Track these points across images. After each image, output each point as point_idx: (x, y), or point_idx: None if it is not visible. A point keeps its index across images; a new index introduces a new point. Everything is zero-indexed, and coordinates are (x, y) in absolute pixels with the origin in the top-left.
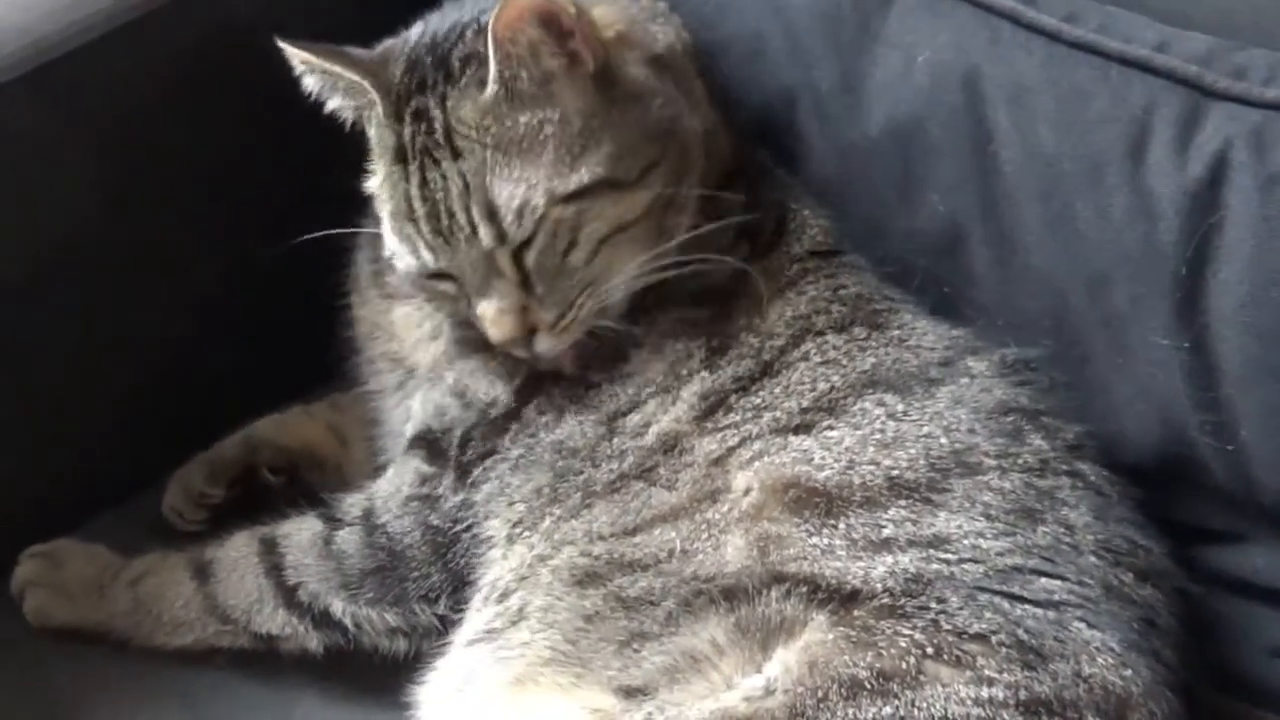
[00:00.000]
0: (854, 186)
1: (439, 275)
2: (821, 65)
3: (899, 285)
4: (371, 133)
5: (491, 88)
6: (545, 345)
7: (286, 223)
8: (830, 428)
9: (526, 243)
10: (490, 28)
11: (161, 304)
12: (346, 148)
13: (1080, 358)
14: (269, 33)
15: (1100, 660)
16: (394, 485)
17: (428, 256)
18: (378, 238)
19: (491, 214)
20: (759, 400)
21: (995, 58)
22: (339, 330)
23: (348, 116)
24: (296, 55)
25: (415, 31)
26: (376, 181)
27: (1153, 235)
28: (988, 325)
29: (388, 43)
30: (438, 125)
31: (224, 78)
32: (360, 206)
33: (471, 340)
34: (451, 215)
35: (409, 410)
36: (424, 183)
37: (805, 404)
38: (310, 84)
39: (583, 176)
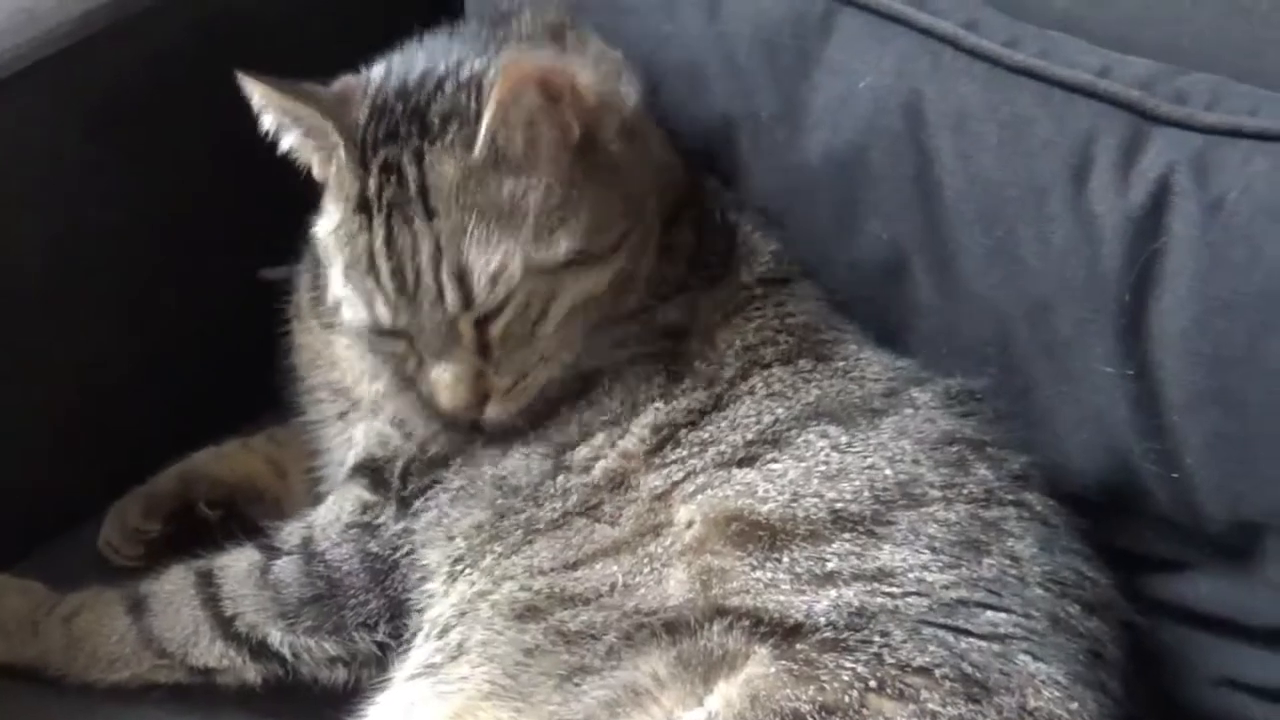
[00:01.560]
0: (795, 214)
1: (389, 333)
2: (762, 92)
3: (845, 313)
4: (330, 176)
5: (480, 151)
6: (495, 412)
7: (229, 250)
8: (774, 460)
9: (493, 311)
10: (493, 90)
11: (100, 333)
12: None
13: (1024, 386)
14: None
15: (1046, 693)
16: (334, 513)
17: (384, 313)
18: (318, 265)
19: (462, 279)
20: (706, 435)
21: (937, 83)
22: (280, 359)
23: (304, 156)
24: (255, 89)
25: (377, 73)
26: (329, 226)
27: (1096, 262)
28: (932, 354)
29: (345, 80)
30: (411, 181)
31: (170, 102)
32: (302, 235)
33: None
34: (418, 276)
35: (351, 439)
36: (390, 238)
37: (750, 437)
38: (268, 121)
39: (561, 247)
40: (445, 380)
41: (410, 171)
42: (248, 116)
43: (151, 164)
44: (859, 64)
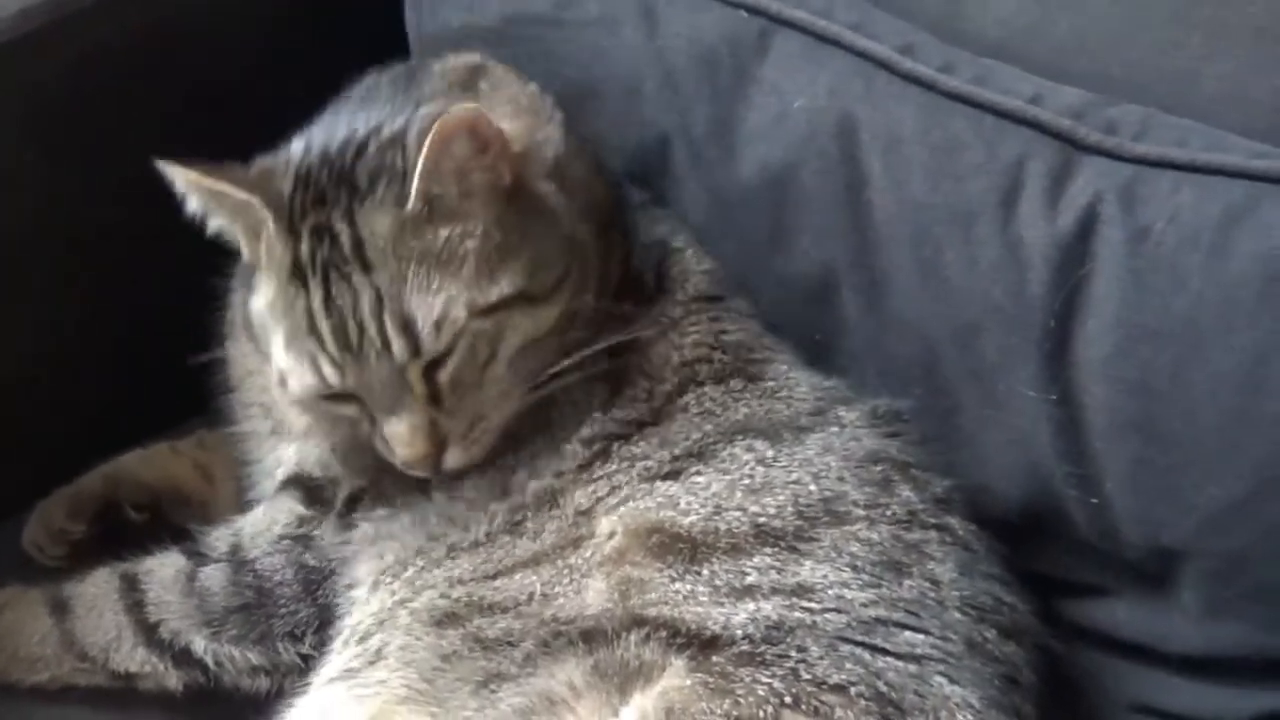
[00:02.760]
0: (727, 230)
1: (338, 397)
2: (697, 109)
3: (777, 332)
4: (260, 251)
5: (413, 204)
6: (455, 460)
7: (161, 252)
8: (698, 473)
9: (440, 358)
10: (418, 144)
11: (27, 331)
12: None
13: (949, 408)
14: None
15: (960, 716)
16: (264, 523)
17: (330, 373)
18: (251, 282)
19: (406, 327)
20: (637, 450)
21: (871, 105)
22: (211, 369)
23: (232, 236)
24: (179, 175)
25: (297, 148)
26: (265, 300)
27: (1022, 286)
28: (859, 373)
29: (262, 161)
30: (344, 240)
31: (96, 106)
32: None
33: None
34: (361, 329)
35: (280, 456)
36: (328, 297)
37: (677, 453)
38: (194, 205)
39: (503, 288)
40: (400, 433)
41: (343, 230)
42: (179, 123)
43: (82, 166)
44: (794, 84)
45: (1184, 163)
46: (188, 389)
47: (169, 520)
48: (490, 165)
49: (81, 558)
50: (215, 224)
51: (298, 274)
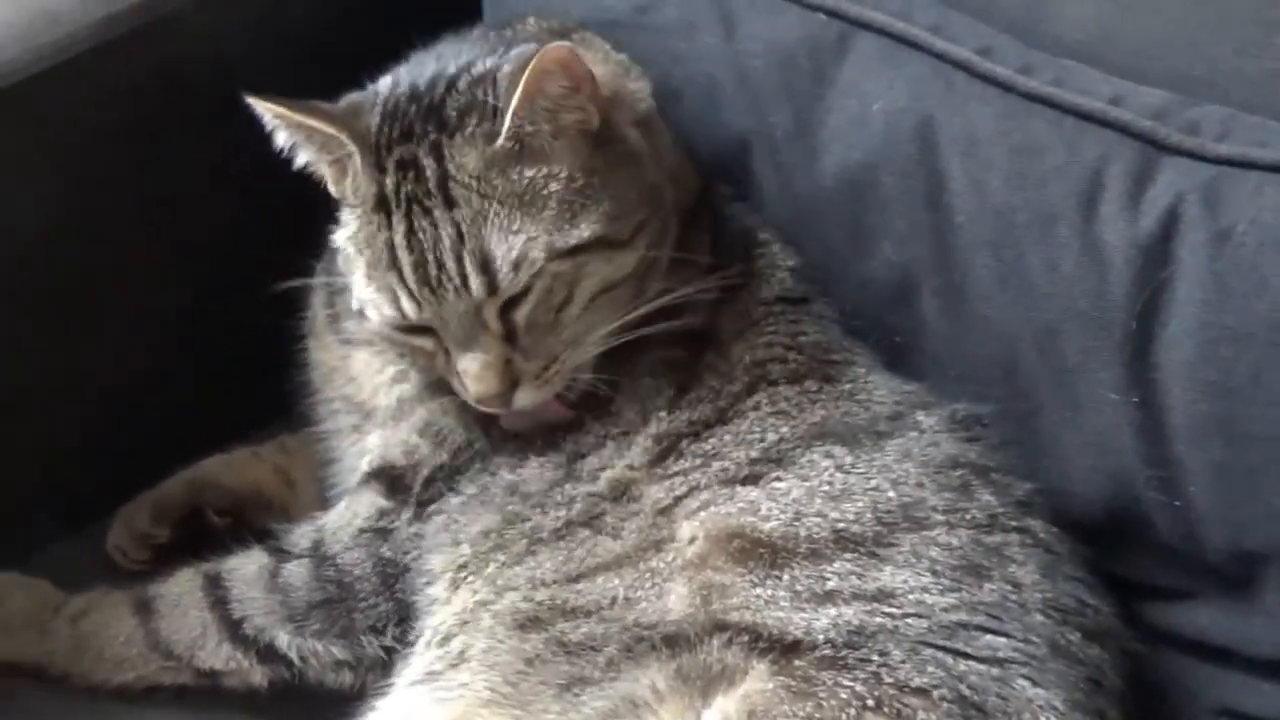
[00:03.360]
0: (807, 233)
1: (415, 329)
2: (776, 112)
3: (857, 335)
4: (345, 185)
5: (503, 141)
6: (525, 399)
7: (242, 260)
8: (778, 479)
9: (517, 297)
10: (512, 81)
11: (112, 337)
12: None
13: (1030, 411)
14: (230, 65)
15: (1043, 719)
16: (345, 518)
17: (409, 307)
18: (333, 283)
19: (485, 265)
20: (709, 447)
21: (950, 108)
22: (292, 370)
23: (319, 170)
24: (268, 110)
25: (384, 85)
26: (348, 233)
27: (1103, 289)
28: (939, 376)
29: (352, 97)
30: (429, 174)
31: (184, 109)
32: (315, 250)
33: (443, 382)
34: (441, 265)
35: (364, 447)
36: (410, 231)
37: (754, 454)
38: (282, 139)
39: (582, 233)
40: (473, 369)
41: (428, 165)
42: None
43: (167, 170)
44: (873, 87)
45: (1266, 163)
46: (269, 392)
47: (250, 525)
48: (581, 105)
49: (164, 562)
50: (303, 158)
51: (382, 206)
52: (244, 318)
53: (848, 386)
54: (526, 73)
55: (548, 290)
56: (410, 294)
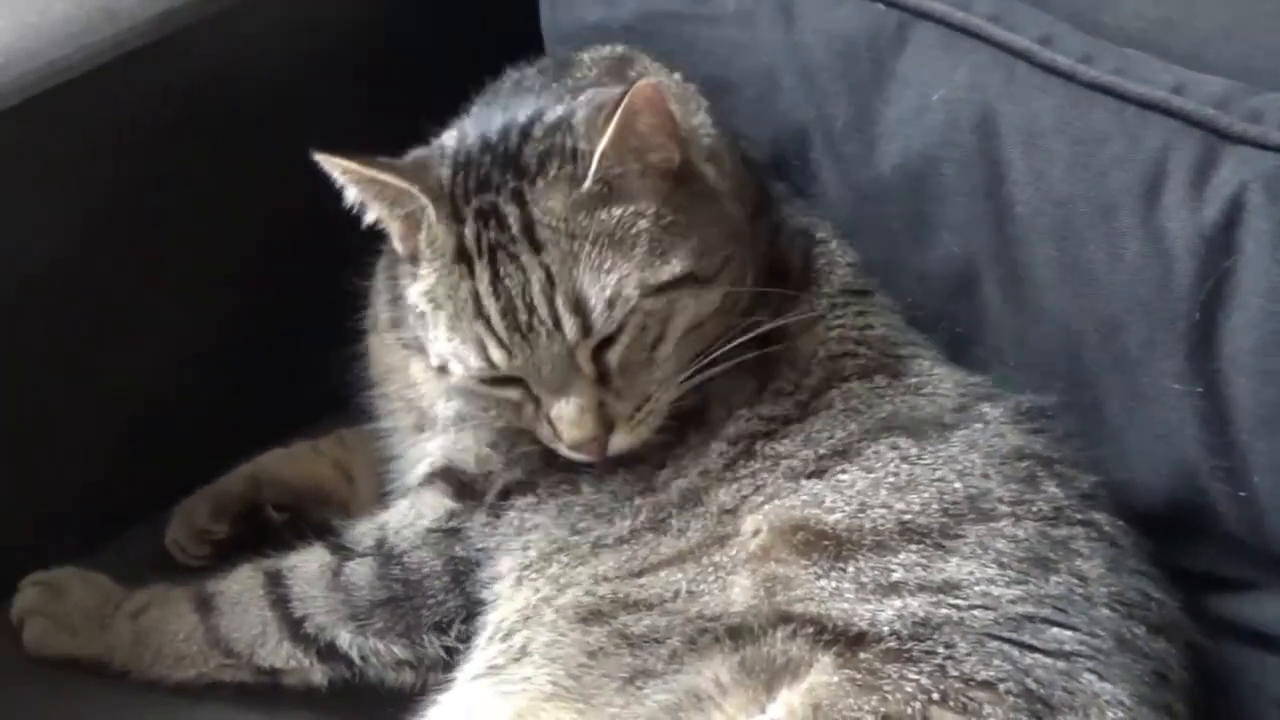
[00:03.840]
0: (866, 224)
1: (501, 380)
2: (835, 103)
3: (919, 327)
4: (419, 240)
5: (590, 184)
6: (620, 443)
7: (301, 252)
8: (843, 471)
9: (610, 338)
10: (594, 124)
11: (169, 330)
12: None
13: (1093, 402)
14: (282, 62)
15: (1110, 714)
16: (410, 517)
17: (498, 355)
18: (395, 284)
19: (579, 306)
20: (781, 448)
21: (1011, 98)
22: (352, 365)
23: (388, 227)
24: (336, 166)
25: (449, 139)
26: (423, 288)
27: (1166, 279)
28: (1001, 368)
29: (417, 153)
30: (512, 221)
31: (240, 105)
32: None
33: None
34: (531, 309)
35: (424, 449)
36: (496, 278)
37: (822, 452)
38: (351, 195)
39: (674, 268)
40: (569, 415)
41: (511, 211)
42: (320, 120)
43: (226, 161)
44: (933, 77)
45: None
46: (327, 387)
47: (308, 520)
48: (665, 143)
49: (222, 558)
50: (372, 214)
51: (462, 258)
52: (304, 310)
53: (914, 380)
54: (619, 114)
55: (640, 328)
56: (500, 342)
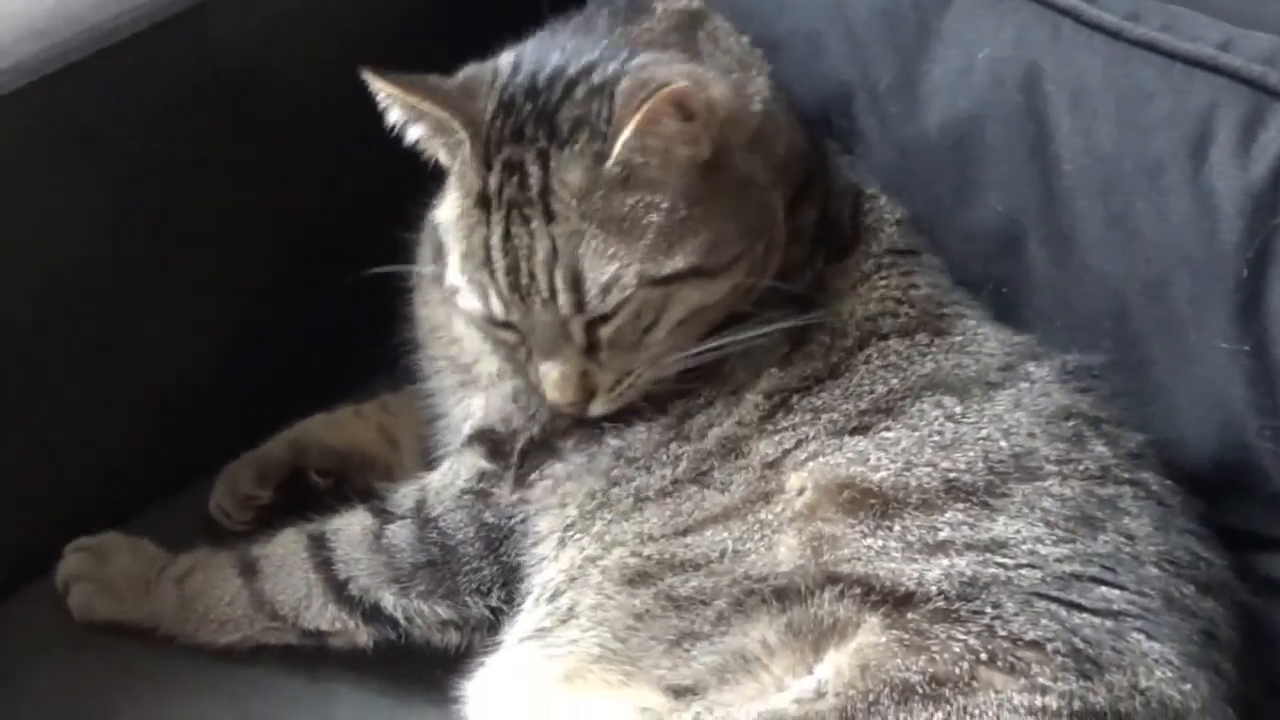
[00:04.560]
0: (911, 185)
1: (503, 324)
2: (880, 62)
3: (964, 286)
4: (454, 167)
5: (611, 167)
6: (599, 409)
7: (345, 214)
8: (887, 429)
9: (604, 317)
10: (627, 103)
11: (210, 297)
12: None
13: (1139, 361)
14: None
15: (1159, 673)
16: (448, 478)
17: (497, 307)
18: (439, 240)
19: (575, 284)
20: (819, 402)
21: (1056, 56)
22: (395, 327)
23: (429, 148)
24: (381, 87)
25: (505, 65)
26: (450, 214)
27: (1214, 237)
28: (1048, 328)
29: (471, 71)
30: (533, 183)
31: (284, 68)
32: (421, 202)
33: None
34: (532, 276)
35: (469, 409)
36: (507, 236)
37: (863, 406)
38: (394, 116)
39: (677, 264)
40: (552, 377)
41: (534, 173)
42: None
43: (265, 129)
44: (977, 36)
45: None
46: (371, 350)
47: (353, 485)
48: (693, 138)
49: (266, 522)
50: (413, 135)
51: (483, 203)
52: (347, 273)
53: (958, 339)
54: (642, 113)
55: (635, 314)
56: (500, 296)
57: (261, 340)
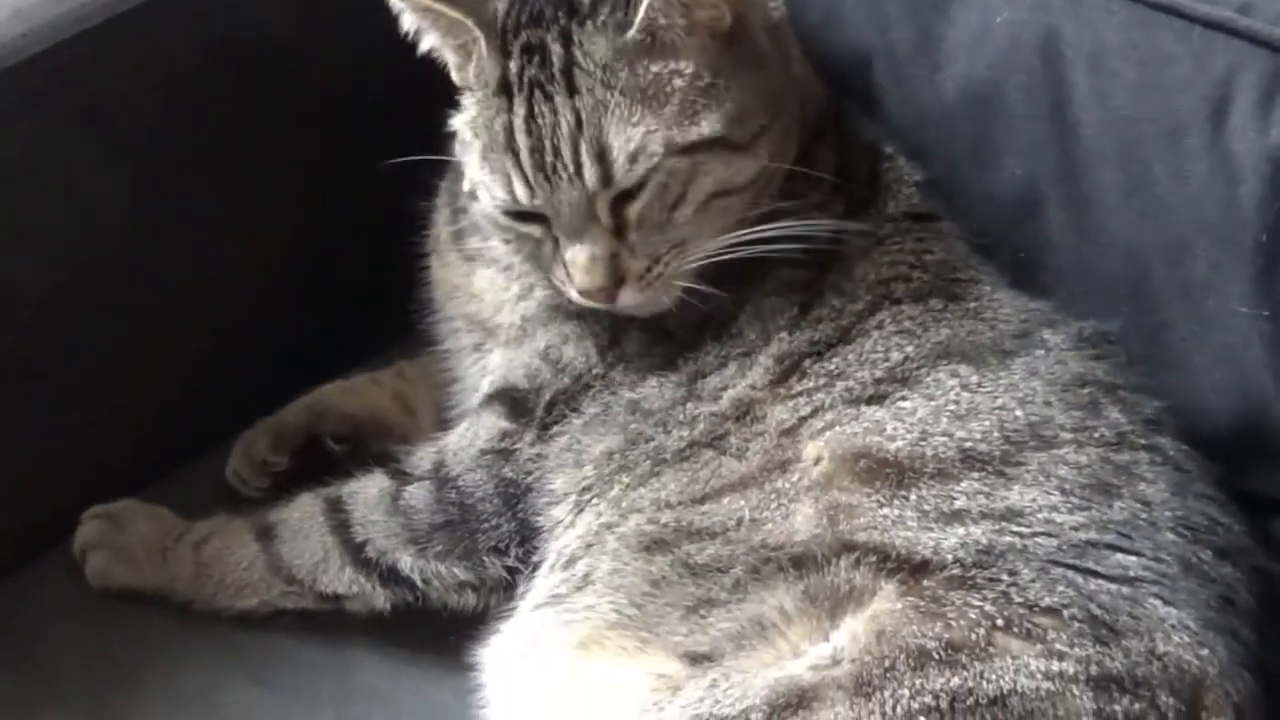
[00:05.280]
0: (930, 148)
1: (525, 216)
2: (898, 26)
3: (982, 252)
4: (469, 70)
5: (634, 34)
6: (629, 299)
7: (361, 182)
8: (903, 398)
9: (630, 191)
10: None
11: (226, 266)
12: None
13: (1158, 326)
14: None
15: (1176, 638)
16: (467, 439)
17: (521, 192)
18: (456, 199)
19: (602, 156)
20: (832, 366)
21: (1075, 19)
22: (409, 293)
23: (442, 56)
24: None
25: None
26: (467, 117)
27: (1233, 201)
28: (1066, 293)
29: None
30: (555, 60)
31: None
32: (437, 168)
33: (566, 306)
34: (557, 152)
35: (486, 368)
36: (530, 115)
37: (879, 374)
38: (407, 22)
39: (702, 129)
40: (581, 260)
41: (555, 50)
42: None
43: (272, 101)
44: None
45: None
46: (388, 318)
47: (369, 452)
48: (715, 3)
49: (283, 489)
50: (427, 43)
51: (504, 89)
52: (362, 240)
53: (973, 305)
54: None
55: (663, 186)
56: (524, 179)
57: (278, 308)
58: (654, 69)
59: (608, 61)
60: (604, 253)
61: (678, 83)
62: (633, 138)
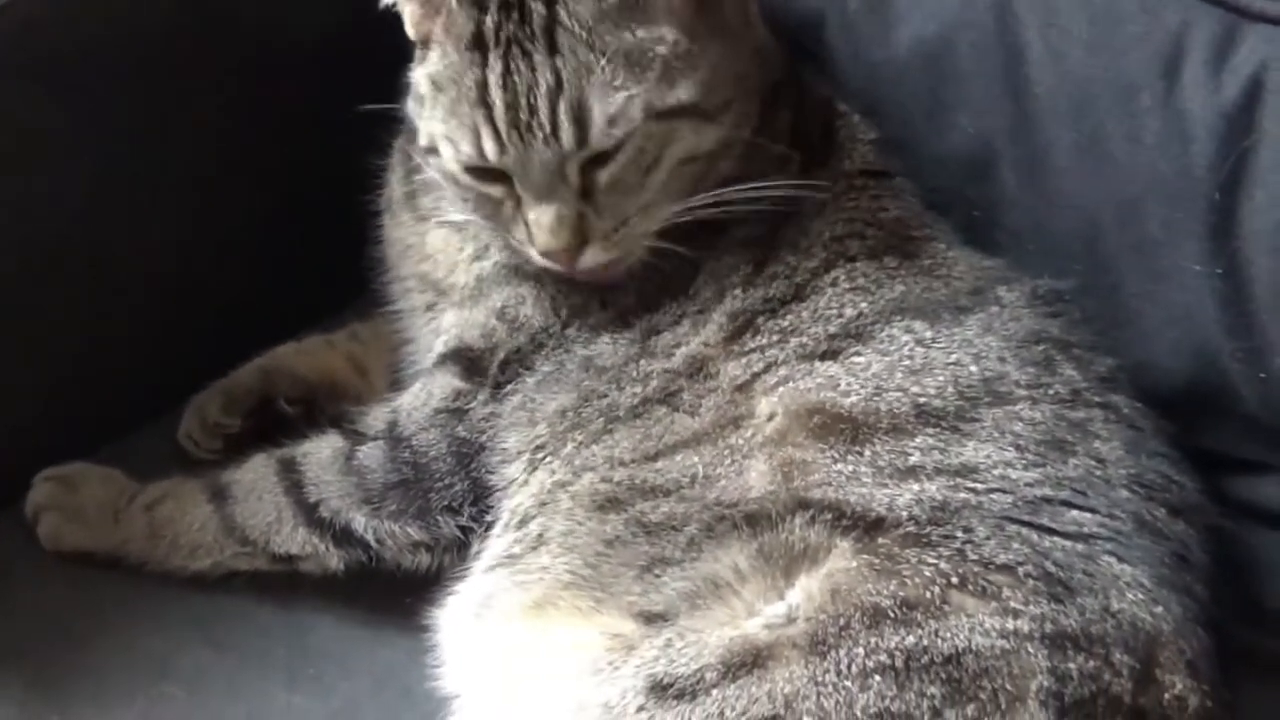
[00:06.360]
0: (882, 107)
1: (487, 174)
2: None
3: (936, 210)
4: (436, 23)
5: None
6: (591, 258)
7: (312, 143)
8: (858, 354)
9: (604, 155)
10: None
11: (179, 228)
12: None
13: (1111, 284)
14: None
15: (1130, 596)
16: (420, 399)
17: (490, 149)
18: (410, 158)
19: (580, 118)
20: (786, 323)
21: None
22: (362, 253)
23: (399, 7)
24: None
25: None
26: (428, 70)
27: (1186, 159)
28: (1019, 252)
29: None
30: (535, 18)
31: None
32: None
33: (523, 267)
34: (533, 111)
35: (439, 328)
36: (507, 72)
37: (833, 330)
38: None
39: (680, 95)
40: (546, 221)
41: (536, 8)
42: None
43: (229, 61)
44: None
45: None
46: (340, 279)
47: (322, 413)
48: None
49: (235, 451)
50: None
51: (478, 45)
52: (315, 201)
53: (927, 262)
54: None
55: (639, 150)
56: (496, 135)
57: (231, 269)
58: (639, 34)
59: (593, 24)
60: (570, 213)
61: (660, 49)
62: (614, 102)
